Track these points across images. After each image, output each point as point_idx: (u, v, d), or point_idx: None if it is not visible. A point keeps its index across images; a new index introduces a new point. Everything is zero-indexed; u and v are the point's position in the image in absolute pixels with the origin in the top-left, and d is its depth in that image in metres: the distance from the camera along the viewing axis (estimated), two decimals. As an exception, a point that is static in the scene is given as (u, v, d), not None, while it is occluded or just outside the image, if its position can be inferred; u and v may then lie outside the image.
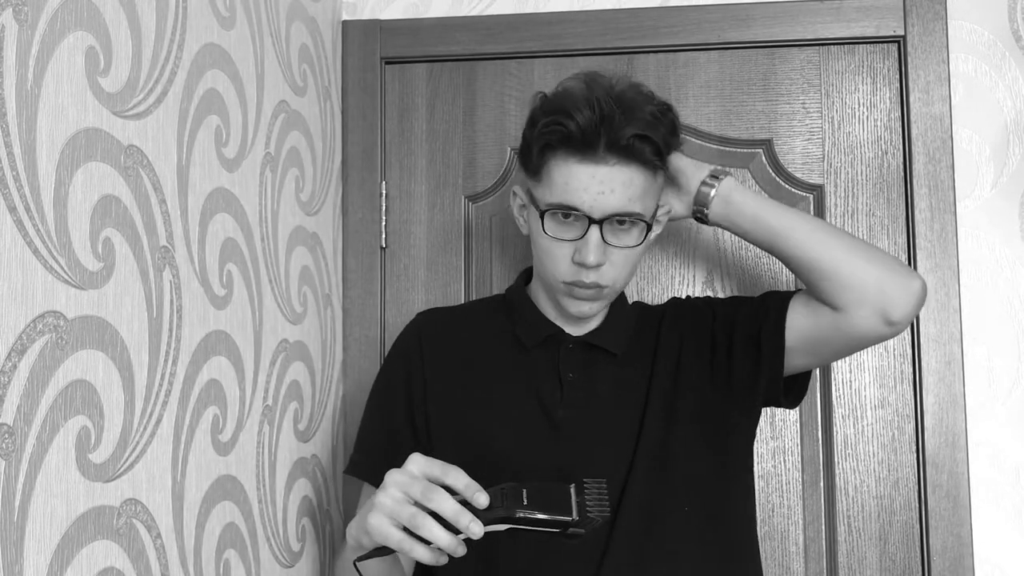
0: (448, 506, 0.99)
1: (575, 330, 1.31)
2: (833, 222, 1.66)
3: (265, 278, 1.31)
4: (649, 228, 1.23)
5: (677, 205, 1.33)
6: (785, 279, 1.67)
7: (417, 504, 1.01)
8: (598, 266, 1.19)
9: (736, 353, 1.29)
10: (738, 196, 1.29)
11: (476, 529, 0.98)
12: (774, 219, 1.27)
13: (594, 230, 1.17)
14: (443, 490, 1.00)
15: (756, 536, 1.34)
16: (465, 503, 1.00)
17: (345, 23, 1.76)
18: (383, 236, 1.73)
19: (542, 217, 1.20)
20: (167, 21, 1.05)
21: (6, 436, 0.76)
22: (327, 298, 1.61)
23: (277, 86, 1.38)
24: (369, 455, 1.33)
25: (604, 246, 1.19)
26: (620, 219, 1.19)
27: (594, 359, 1.30)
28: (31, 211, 0.80)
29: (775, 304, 1.30)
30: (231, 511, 1.17)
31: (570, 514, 1.01)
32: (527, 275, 1.38)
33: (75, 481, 0.85)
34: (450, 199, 1.73)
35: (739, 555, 1.29)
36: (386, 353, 1.61)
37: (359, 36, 1.75)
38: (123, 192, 0.94)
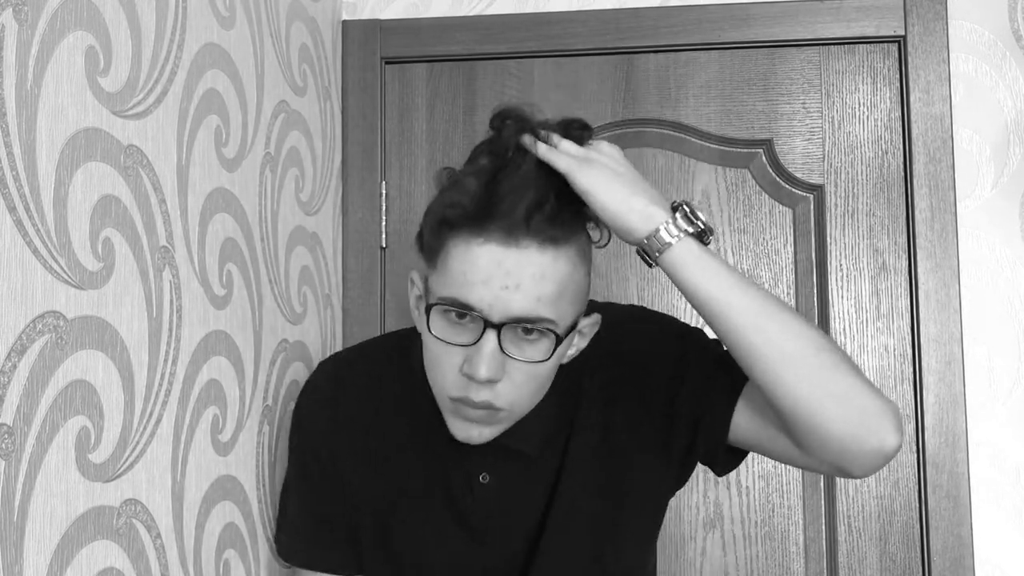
0: None
1: None
2: (833, 222, 1.66)
3: (265, 278, 1.31)
4: (559, 341, 0.97)
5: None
6: (784, 287, 1.67)
7: None
8: (491, 382, 0.97)
9: (675, 427, 1.09)
10: (686, 273, 0.96)
11: None
12: (722, 319, 0.96)
13: (490, 336, 0.94)
14: None
15: None
16: None
17: (345, 23, 1.76)
18: (383, 236, 1.73)
19: (427, 313, 0.98)
20: (167, 21, 1.05)
21: (6, 436, 0.76)
22: (327, 298, 1.61)
23: (277, 86, 1.38)
24: (298, 539, 1.21)
25: (502, 357, 0.96)
26: (526, 327, 0.96)
27: (508, 455, 1.09)
28: (31, 211, 0.80)
29: (722, 396, 1.06)
30: (231, 511, 1.17)
31: None
32: None
33: (75, 481, 0.85)
34: (450, 199, 1.73)
35: None
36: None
37: (359, 36, 1.75)
38: (123, 192, 0.94)
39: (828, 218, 1.66)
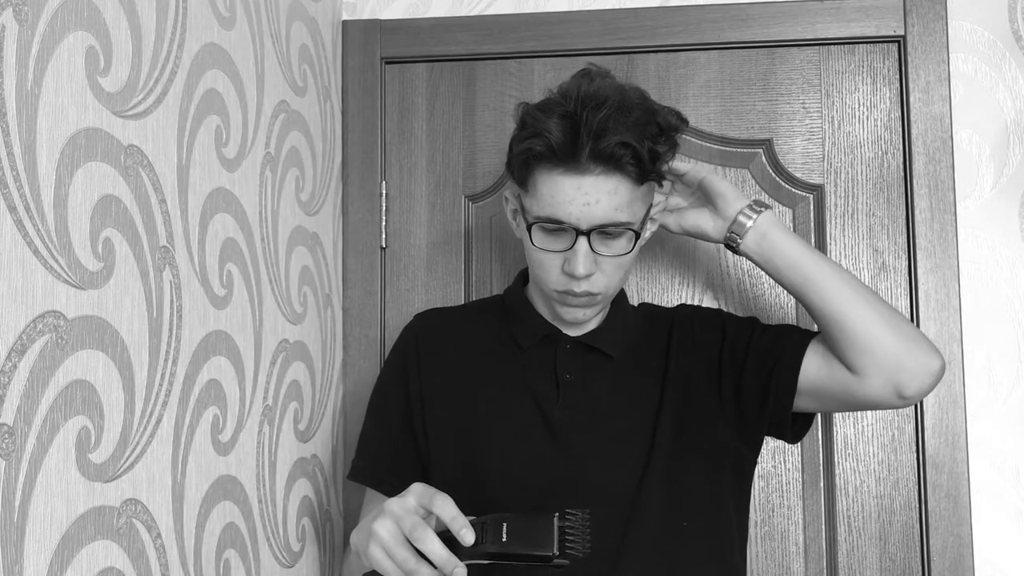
0: (435, 549, 1.02)
1: (573, 331, 1.30)
2: (833, 222, 1.66)
3: (265, 278, 1.31)
4: (638, 236, 1.21)
5: (710, 228, 1.31)
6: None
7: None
8: (588, 276, 1.19)
9: (745, 384, 1.27)
10: (776, 234, 1.27)
11: (460, 573, 1.01)
12: (808, 266, 1.25)
13: (582, 241, 1.16)
14: (431, 531, 1.02)
15: (745, 557, 1.35)
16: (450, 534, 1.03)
17: (345, 23, 1.76)
18: (383, 236, 1.73)
19: (529, 230, 1.20)
20: (167, 21, 1.05)
21: (6, 436, 0.76)
22: (327, 298, 1.61)
23: (277, 86, 1.38)
24: (370, 460, 1.35)
25: (593, 256, 1.18)
26: (607, 230, 1.18)
27: (593, 361, 1.29)
28: (31, 211, 0.80)
29: (793, 343, 1.27)
30: (231, 511, 1.17)
31: (550, 548, 1.02)
32: (525, 276, 1.37)
33: (75, 481, 0.85)
34: (450, 199, 1.73)
35: (730, 572, 1.29)
36: (386, 354, 1.61)
37: (359, 36, 1.75)
38: (123, 192, 0.94)
39: (828, 218, 1.66)
